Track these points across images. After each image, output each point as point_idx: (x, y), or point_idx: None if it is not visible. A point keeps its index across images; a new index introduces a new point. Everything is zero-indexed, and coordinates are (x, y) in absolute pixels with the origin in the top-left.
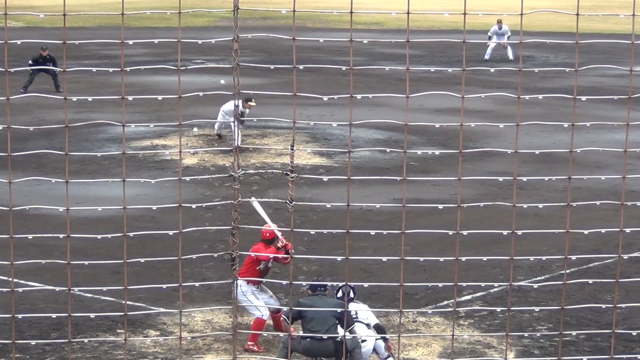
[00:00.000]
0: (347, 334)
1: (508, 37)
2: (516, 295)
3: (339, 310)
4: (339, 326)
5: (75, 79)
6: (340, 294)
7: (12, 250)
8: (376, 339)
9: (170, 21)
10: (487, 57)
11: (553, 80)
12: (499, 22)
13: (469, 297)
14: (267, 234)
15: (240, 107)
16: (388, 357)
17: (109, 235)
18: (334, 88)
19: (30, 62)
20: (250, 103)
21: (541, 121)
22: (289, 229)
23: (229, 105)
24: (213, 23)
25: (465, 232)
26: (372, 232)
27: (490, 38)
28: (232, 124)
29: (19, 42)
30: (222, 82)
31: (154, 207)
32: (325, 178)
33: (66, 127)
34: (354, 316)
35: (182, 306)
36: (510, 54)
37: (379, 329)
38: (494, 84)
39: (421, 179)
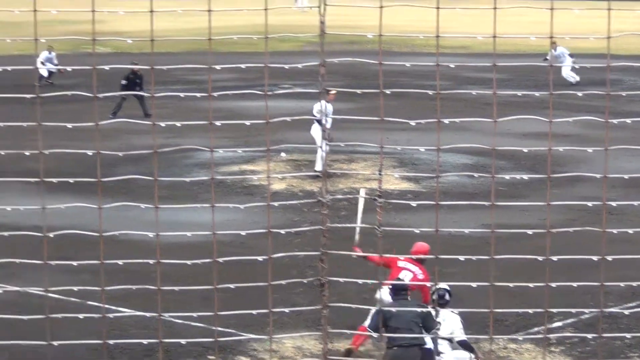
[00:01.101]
0: (428, 340)
1: (565, 60)
2: (607, 321)
3: (420, 319)
4: (424, 332)
5: (164, 104)
6: (435, 296)
7: (103, 276)
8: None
9: (257, 46)
10: (572, 80)
11: None
12: (554, 44)
13: (559, 323)
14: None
15: (324, 104)
16: None
17: (199, 261)
18: (421, 112)
19: (123, 81)
20: (331, 93)
21: (630, 145)
22: (378, 254)
23: (317, 106)
24: (300, 48)
25: (555, 258)
26: (462, 258)
27: (546, 60)
28: (319, 148)
29: (107, 67)
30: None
31: (243, 233)
32: (413, 203)
33: (155, 153)
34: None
35: (272, 332)
36: (568, 76)
37: (464, 346)
38: (582, 108)
39: (510, 204)
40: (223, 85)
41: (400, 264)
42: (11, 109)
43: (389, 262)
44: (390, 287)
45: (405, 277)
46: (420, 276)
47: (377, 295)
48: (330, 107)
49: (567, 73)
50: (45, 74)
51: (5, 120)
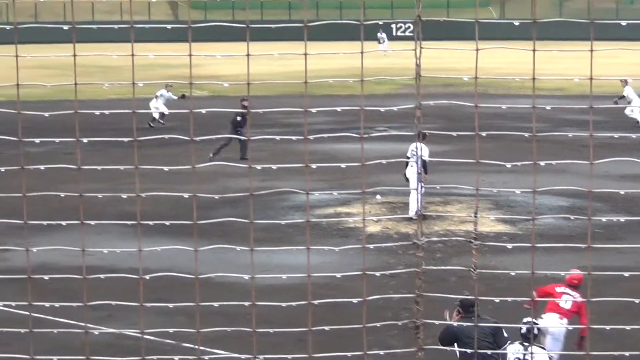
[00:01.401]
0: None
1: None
2: None
3: (491, 336)
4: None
5: (260, 147)
6: (524, 330)
7: (198, 318)
8: None
9: (353, 89)
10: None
11: None
12: (624, 82)
13: None
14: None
15: (419, 146)
16: None
17: (294, 303)
18: (516, 155)
19: (238, 117)
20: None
21: None
22: (473, 297)
23: (412, 147)
24: (395, 90)
25: None
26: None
27: (616, 102)
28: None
29: (203, 111)
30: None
31: (338, 275)
32: (509, 245)
33: (251, 196)
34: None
35: None
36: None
37: None
38: None
39: (606, 247)
40: (319, 128)
41: (559, 289)
42: (109, 152)
43: (549, 290)
44: (459, 304)
45: (567, 301)
46: (580, 299)
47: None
48: (425, 149)
49: (632, 112)
50: (156, 115)
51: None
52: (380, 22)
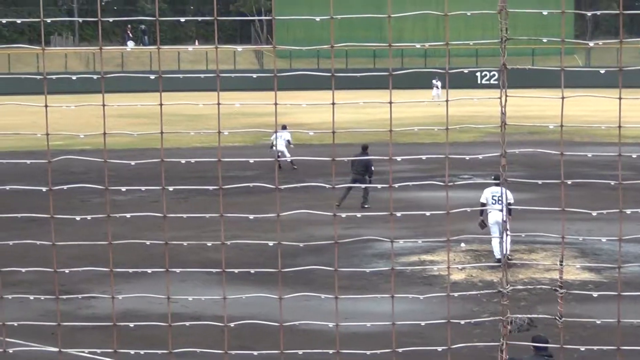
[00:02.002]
0: None
1: None
2: None
3: None
4: None
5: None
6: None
7: None
8: None
9: (437, 137)
10: None
11: None
12: None
13: None
14: None
15: (504, 192)
16: None
17: (378, 351)
18: (602, 203)
19: (373, 167)
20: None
21: None
22: (558, 346)
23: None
24: (480, 138)
25: None
26: None
27: None
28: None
29: (288, 159)
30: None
31: (422, 323)
32: (594, 294)
33: (335, 244)
34: None
35: None
36: None
37: None
38: None
39: None
40: (404, 176)
41: None
42: (194, 200)
43: None
44: (534, 345)
45: None
46: None
47: None
48: (510, 195)
49: None
50: (288, 156)
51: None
52: (465, 71)
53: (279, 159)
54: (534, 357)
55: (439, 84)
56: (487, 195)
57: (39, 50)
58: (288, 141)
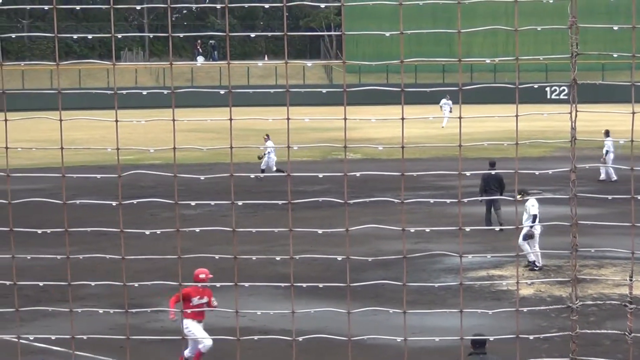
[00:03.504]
0: None
1: (607, 153)
2: None
3: None
4: None
5: (412, 209)
6: None
7: None
8: None
9: (506, 151)
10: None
11: None
12: (606, 133)
13: None
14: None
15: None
16: None
17: None
18: None
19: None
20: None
21: None
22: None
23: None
24: (549, 153)
25: None
26: None
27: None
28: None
29: (357, 174)
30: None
31: (491, 338)
32: None
33: (404, 258)
34: None
35: None
36: (605, 172)
37: None
38: None
39: None
40: (472, 191)
41: None
42: (263, 214)
43: None
44: (472, 341)
45: None
46: None
47: None
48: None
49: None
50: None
51: (257, 226)
52: (535, 86)
53: (262, 167)
54: (471, 356)
55: (449, 102)
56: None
57: (110, 66)
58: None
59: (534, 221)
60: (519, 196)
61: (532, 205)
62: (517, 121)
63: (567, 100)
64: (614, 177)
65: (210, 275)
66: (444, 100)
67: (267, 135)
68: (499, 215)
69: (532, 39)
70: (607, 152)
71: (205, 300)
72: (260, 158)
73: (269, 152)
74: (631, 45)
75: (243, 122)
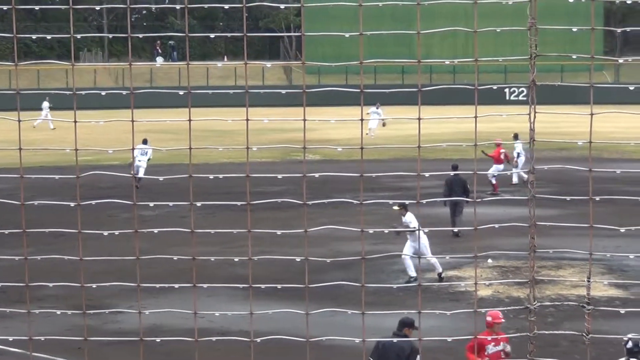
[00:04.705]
0: None
1: (518, 156)
2: None
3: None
4: None
5: (371, 210)
6: (630, 345)
7: None
8: None
9: (466, 153)
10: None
11: None
12: (515, 135)
13: None
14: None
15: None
16: None
17: None
18: (630, 219)
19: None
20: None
21: None
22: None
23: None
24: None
25: None
26: None
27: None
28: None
29: (316, 175)
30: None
31: (449, 339)
32: (622, 310)
33: (363, 259)
34: None
35: None
36: (518, 176)
37: None
38: None
39: None
40: (431, 192)
41: None
42: (222, 215)
43: None
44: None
45: None
46: None
47: None
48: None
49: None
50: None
51: (215, 227)
52: (494, 87)
53: (137, 175)
54: (392, 336)
55: (379, 111)
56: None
57: (69, 66)
58: (148, 158)
59: (414, 234)
60: (395, 207)
61: (410, 222)
62: (476, 122)
63: (526, 101)
64: (525, 178)
65: (502, 320)
66: (373, 109)
67: None
68: (459, 221)
69: (491, 40)
70: (518, 154)
71: (500, 347)
72: None
73: None
74: (590, 46)
75: (202, 123)
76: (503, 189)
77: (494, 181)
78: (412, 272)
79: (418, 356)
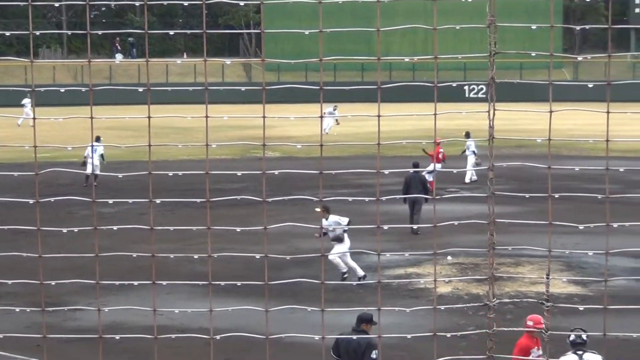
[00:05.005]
0: None
1: (473, 153)
2: None
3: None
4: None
5: (331, 207)
6: (572, 337)
7: None
8: None
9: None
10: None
11: None
12: (467, 133)
13: None
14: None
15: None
16: None
17: None
18: (589, 216)
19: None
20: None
21: None
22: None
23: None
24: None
25: None
26: None
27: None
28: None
29: (276, 172)
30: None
31: (409, 336)
32: (580, 307)
33: (322, 256)
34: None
35: None
36: (467, 175)
37: None
38: None
39: None
40: (390, 190)
41: None
42: (181, 212)
43: None
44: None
45: None
46: None
47: None
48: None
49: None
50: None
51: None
52: (454, 84)
53: (94, 173)
54: (352, 331)
55: (335, 112)
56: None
57: (27, 63)
58: (102, 155)
59: (339, 239)
60: (317, 209)
61: (329, 225)
62: (435, 120)
63: (486, 98)
64: (475, 177)
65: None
66: (329, 110)
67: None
68: (418, 219)
69: (451, 38)
70: (471, 152)
71: (540, 352)
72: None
73: None
74: (549, 44)
75: (162, 120)
76: (464, 186)
77: (430, 178)
78: (360, 272)
79: (374, 351)
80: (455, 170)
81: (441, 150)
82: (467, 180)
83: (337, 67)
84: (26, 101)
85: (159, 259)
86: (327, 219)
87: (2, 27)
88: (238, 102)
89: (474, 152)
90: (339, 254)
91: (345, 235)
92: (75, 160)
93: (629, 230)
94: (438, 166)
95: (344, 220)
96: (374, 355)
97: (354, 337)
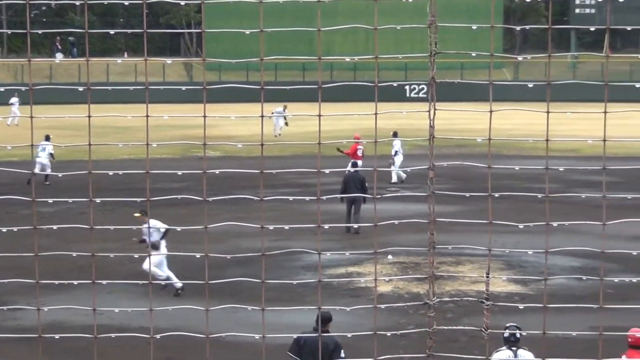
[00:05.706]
0: None
1: (396, 154)
2: None
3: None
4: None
5: (272, 207)
6: (506, 334)
7: None
8: None
9: (366, 149)
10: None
11: None
12: (395, 133)
13: None
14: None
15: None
16: None
17: None
18: (529, 215)
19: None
20: None
21: None
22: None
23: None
24: (408, 151)
25: None
26: None
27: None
28: None
29: (217, 171)
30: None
31: (349, 335)
32: (520, 306)
33: (263, 255)
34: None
35: None
36: (393, 175)
37: None
38: None
39: (618, 307)
40: (331, 189)
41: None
42: (121, 212)
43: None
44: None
45: None
46: None
47: None
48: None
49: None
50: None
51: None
52: (395, 84)
53: (43, 172)
54: (314, 331)
55: (283, 112)
56: None
57: None
58: (51, 154)
59: (155, 247)
60: (136, 214)
61: (157, 230)
62: (376, 119)
63: (426, 98)
64: (404, 177)
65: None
66: (279, 110)
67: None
68: (357, 218)
69: (392, 37)
70: (396, 152)
71: None
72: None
73: None
74: (489, 44)
75: (102, 119)
76: (404, 185)
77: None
78: (178, 283)
79: (342, 351)
80: (395, 169)
81: (360, 147)
82: (394, 179)
83: (279, 66)
84: (14, 100)
85: (99, 258)
86: (145, 223)
87: None
88: (179, 102)
89: (397, 152)
90: (155, 262)
91: (163, 243)
92: (14, 159)
93: (569, 229)
94: (359, 163)
95: (163, 227)
96: (343, 355)
97: (323, 336)
